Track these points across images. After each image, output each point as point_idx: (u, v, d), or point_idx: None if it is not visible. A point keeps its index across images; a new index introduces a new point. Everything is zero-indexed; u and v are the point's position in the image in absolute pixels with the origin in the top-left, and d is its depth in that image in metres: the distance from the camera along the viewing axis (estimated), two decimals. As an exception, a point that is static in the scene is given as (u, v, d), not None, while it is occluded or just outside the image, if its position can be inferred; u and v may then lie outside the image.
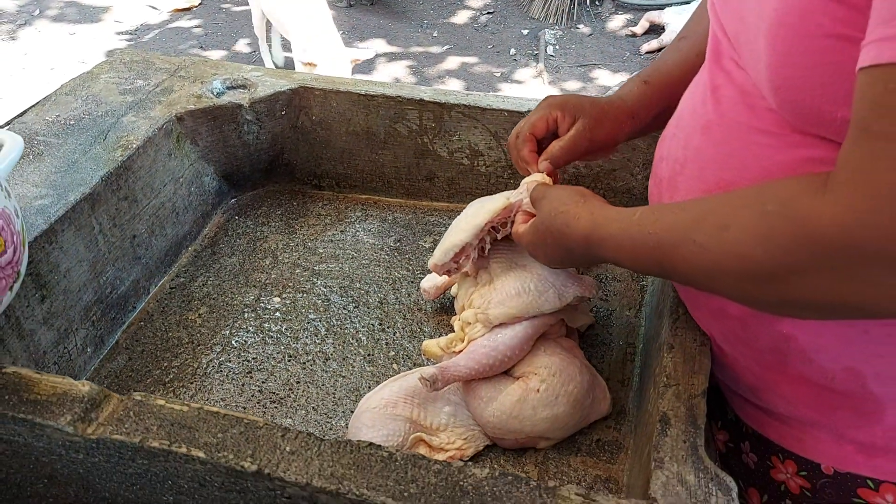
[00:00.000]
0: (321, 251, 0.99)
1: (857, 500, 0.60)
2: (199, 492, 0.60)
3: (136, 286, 0.92)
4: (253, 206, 1.08)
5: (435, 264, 0.78)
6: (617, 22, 3.77)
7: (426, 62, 3.47)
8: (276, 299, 0.93)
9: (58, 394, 0.61)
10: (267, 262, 0.98)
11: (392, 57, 3.52)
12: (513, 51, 3.53)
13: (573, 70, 3.34)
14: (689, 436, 0.58)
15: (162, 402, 0.61)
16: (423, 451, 0.73)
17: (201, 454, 0.57)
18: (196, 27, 3.85)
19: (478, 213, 0.75)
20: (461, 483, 0.55)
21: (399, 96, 0.99)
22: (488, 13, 3.90)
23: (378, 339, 0.87)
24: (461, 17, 3.89)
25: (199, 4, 4.10)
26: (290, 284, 0.94)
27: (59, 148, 0.89)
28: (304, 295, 0.93)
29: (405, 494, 0.54)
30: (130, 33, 3.80)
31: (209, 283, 0.95)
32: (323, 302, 0.92)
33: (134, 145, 0.90)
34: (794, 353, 0.57)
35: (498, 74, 3.34)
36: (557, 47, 3.54)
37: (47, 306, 0.79)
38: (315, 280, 0.95)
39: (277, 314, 0.90)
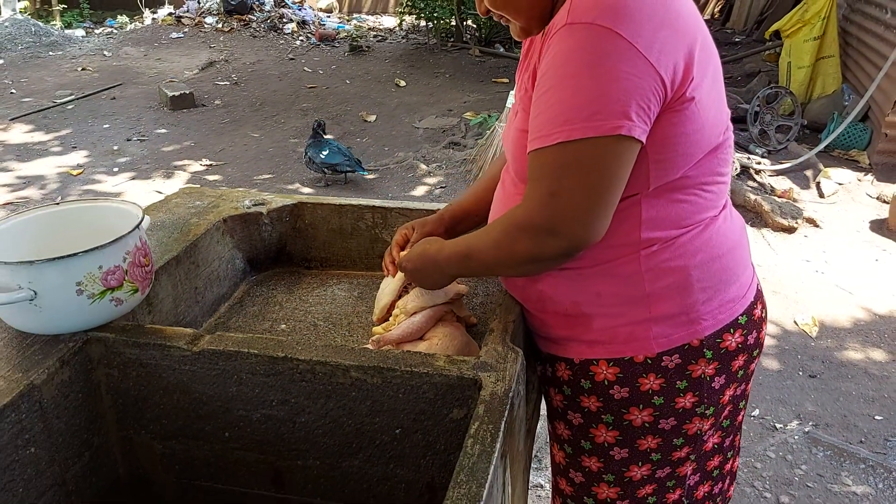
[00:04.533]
0: (311, 300, 1.57)
1: (590, 373, 1.15)
2: (252, 379, 1.14)
3: (195, 320, 1.48)
4: (266, 280, 1.66)
5: (377, 318, 1.37)
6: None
7: (390, 226, 4.19)
8: (283, 325, 1.49)
9: (176, 334, 1.16)
10: (276, 308, 1.55)
11: (362, 223, 4.24)
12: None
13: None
14: (503, 334, 1.14)
15: (233, 334, 1.16)
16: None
17: (255, 351, 1.11)
18: (196, 205, 4.57)
19: (390, 285, 1.35)
20: (388, 356, 1.10)
21: (360, 205, 1.62)
22: (441, 187, 4.71)
23: (346, 341, 1.43)
24: (419, 191, 4.68)
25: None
26: (291, 317, 1.51)
27: (154, 236, 1.48)
28: (300, 322, 1.49)
29: (359, 359, 1.09)
30: (140, 211, 4.50)
31: (240, 320, 1.51)
32: (312, 325, 1.48)
33: (198, 234, 1.50)
34: (547, 299, 1.15)
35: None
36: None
37: (151, 318, 1.35)
38: (307, 315, 1.52)
39: (283, 333, 1.46)
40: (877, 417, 2.54)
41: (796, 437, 2.43)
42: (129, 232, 1.16)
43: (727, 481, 1.32)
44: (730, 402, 1.19)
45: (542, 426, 1.82)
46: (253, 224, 1.62)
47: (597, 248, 1.05)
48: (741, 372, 1.17)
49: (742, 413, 1.26)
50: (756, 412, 2.57)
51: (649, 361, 1.11)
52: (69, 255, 1.08)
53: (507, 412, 0.99)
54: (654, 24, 0.93)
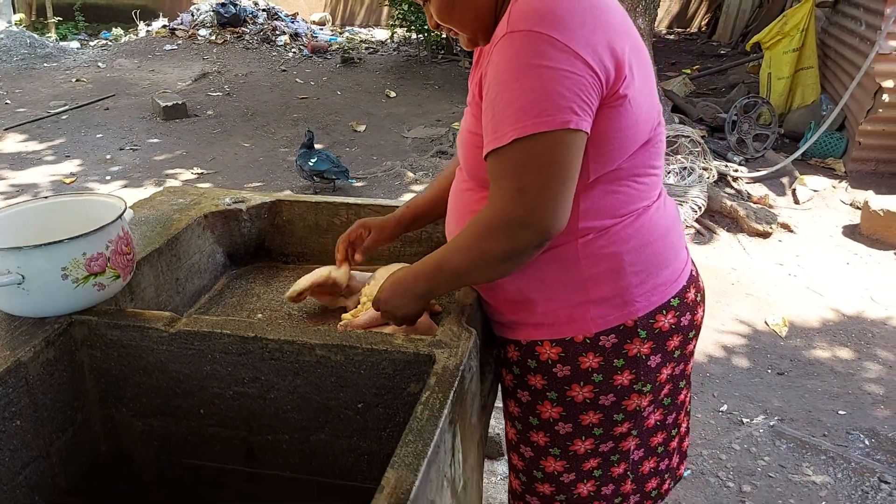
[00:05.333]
0: (286, 292, 1.66)
1: (536, 353, 1.23)
2: (225, 358, 1.22)
3: (175, 309, 1.56)
4: (245, 274, 1.75)
5: (288, 296, 1.46)
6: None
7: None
8: (259, 315, 1.57)
9: (154, 317, 1.25)
10: (254, 299, 1.64)
11: (348, 229, 4.34)
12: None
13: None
14: (459, 316, 1.23)
15: (207, 316, 1.25)
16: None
17: (227, 331, 1.20)
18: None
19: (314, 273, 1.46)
20: (350, 335, 1.19)
21: (334, 202, 1.72)
22: (427, 194, 4.81)
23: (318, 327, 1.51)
24: (406, 198, 4.77)
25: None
26: (268, 307, 1.60)
27: (138, 230, 1.57)
28: (276, 312, 1.58)
29: (324, 338, 1.18)
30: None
31: (218, 310, 1.60)
32: (287, 315, 1.57)
33: (180, 228, 1.59)
34: (496, 286, 1.23)
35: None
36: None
37: (133, 305, 1.43)
38: (283, 306, 1.60)
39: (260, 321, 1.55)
40: (840, 412, 2.64)
41: (761, 431, 2.52)
42: (112, 222, 1.25)
43: (675, 459, 1.41)
44: (668, 381, 1.28)
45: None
46: (233, 220, 1.71)
47: None
48: (677, 352, 1.26)
49: (684, 392, 1.35)
50: (724, 407, 2.66)
51: (588, 341, 1.20)
52: (55, 242, 1.17)
53: (456, 383, 1.07)
54: (586, 30, 1.03)
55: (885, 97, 4.57)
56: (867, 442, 2.46)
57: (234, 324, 1.22)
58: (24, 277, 1.17)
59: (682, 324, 1.24)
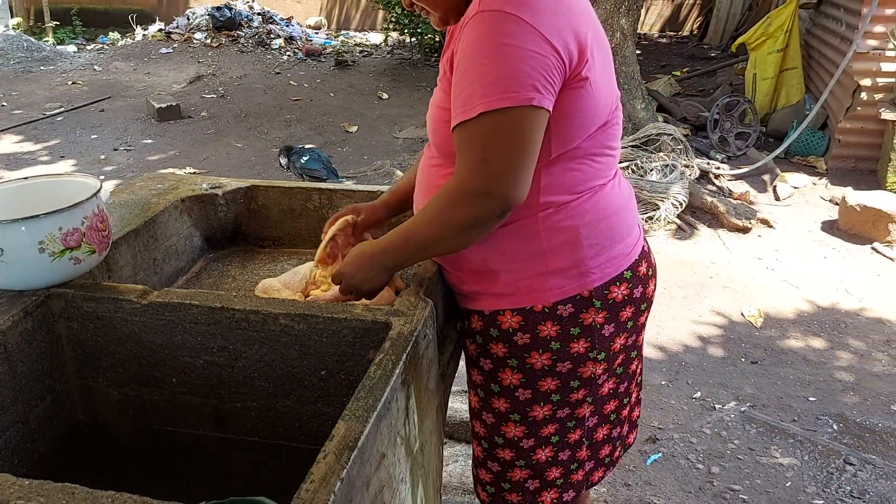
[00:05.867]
0: (262, 274, 1.72)
1: (498, 322, 1.30)
2: (195, 328, 1.28)
3: (153, 288, 1.62)
4: (223, 257, 1.81)
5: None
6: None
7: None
8: (234, 293, 1.63)
9: (128, 289, 1.31)
10: (229, 280, 1.70)
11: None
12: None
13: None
14: (417, 288, 1.29)
15: (177, 290, 1.31)
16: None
17: (196, 302, 1.26)
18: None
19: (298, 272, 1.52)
20: (312, 305, 1.25)
21: (307, 187, 1.78)
22: (415, 192, 4.88)
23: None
24: (394, 196, 4.84)
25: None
26: (243, 288, 1.66)
27: (117, 212, 1.63)
28: (250, 292, 1.64)
29: (287, 308, 1.24)
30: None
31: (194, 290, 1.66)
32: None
33: (157, 211, 1.65)
34: (461, 257, 1.30)
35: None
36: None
37: (111, 282, 1.49)
38: (257, 285, 1.67)
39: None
40: (811, 399, 2.70)
41: (732, 416, 2.58)
42: (87, 199, 1.31)
43: (625, 427, 1.47)
44: (622, 351, 1.34)
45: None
46: (209, 204, 1.78)
47: None
48: (630, 323, 1.32)
49: (635, 363, 1.41)
50: (697, 394, 2.72)
51: (546, 310, 1.26)
52: (32, 217, 1.23)
53: (409, 347, 1.14)
54: (551, 14, 1.10)
55: (864, 95, 4.65)
56: (835, 426, 2.53)
57: (202, 295, 1.28)
58: (2, 251, 1.23)
59: (634, 296, 1.30)
